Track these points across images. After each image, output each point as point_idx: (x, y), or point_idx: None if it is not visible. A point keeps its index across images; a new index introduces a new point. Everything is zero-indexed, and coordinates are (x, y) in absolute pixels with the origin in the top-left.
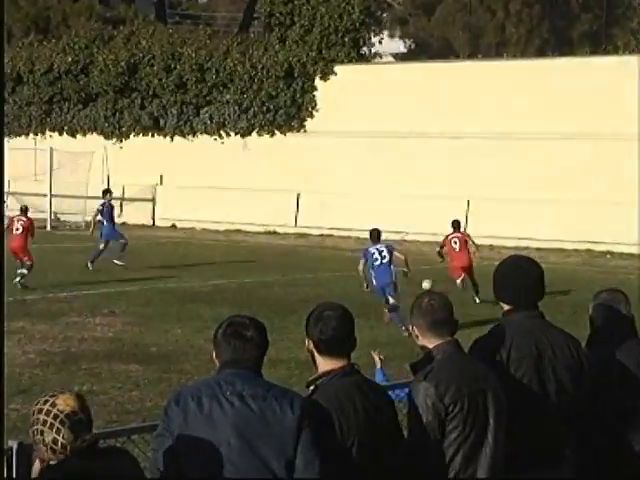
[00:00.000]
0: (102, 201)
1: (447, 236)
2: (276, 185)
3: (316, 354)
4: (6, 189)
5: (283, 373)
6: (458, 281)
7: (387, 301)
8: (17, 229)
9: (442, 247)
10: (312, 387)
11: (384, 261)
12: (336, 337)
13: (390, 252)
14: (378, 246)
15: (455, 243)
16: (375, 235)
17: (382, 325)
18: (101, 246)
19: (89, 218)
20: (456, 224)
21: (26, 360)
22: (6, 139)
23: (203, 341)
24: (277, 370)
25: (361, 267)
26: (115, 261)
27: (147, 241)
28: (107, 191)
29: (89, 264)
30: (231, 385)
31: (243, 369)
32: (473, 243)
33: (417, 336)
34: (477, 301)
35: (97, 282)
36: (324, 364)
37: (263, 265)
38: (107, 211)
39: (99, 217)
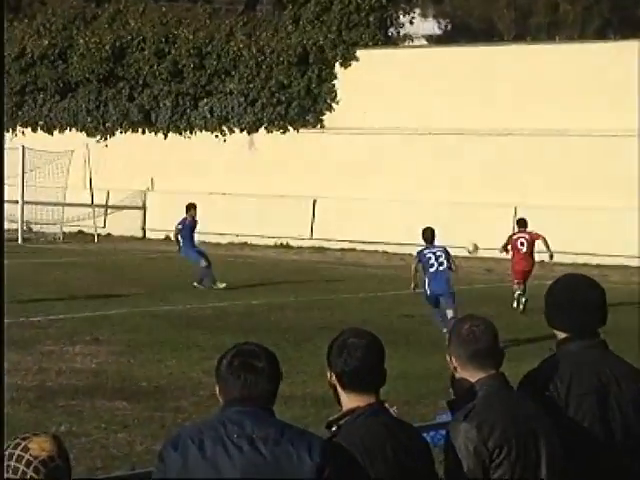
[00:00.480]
0: (182, 217)
1: (512, 235)
2: (288, 190)
3: (339, 389)
4: None
5: (297, 412)
6: (515, 287)
7: (441, 312)
8: None
9: (506, 246)
10: (334, 428)
11: (440, 268)
12: (362, 369)
13: (448, 257)
14: (434, 249)
15: (522, 245)
16: (429, 235)
17: (414, 355)
18: (203, 264)
19: (67, 229)
20: (522, 222)
21: None
22: None
23: (202, 374)
24: (290, 408)
25: (413, 268)
26: (195, 284)
27: (136, 256)
28: (192, 206)
29: (198, 285)
30: (238, 426)
31: (252, 407)
32: (548, 247)
33: (455, 368)
34: (521, 309)
35: (77, 304)
36: (348, 401)
37: (273, 284)
38: (187, 229)
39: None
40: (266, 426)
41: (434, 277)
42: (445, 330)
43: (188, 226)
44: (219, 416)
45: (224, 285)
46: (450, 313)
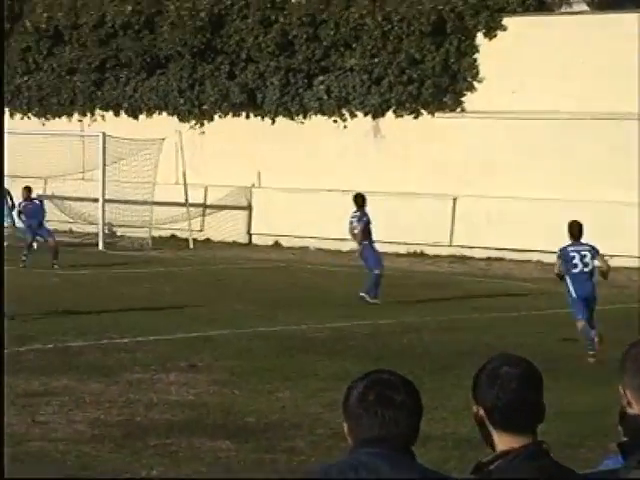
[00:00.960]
0: (356, 212)
1: None
2: (422, 187)
3: (489, 426)
4: (40, 191)
5: (436, 455)
6: None
7: (591, 324)
8: None
9: None
10: (483, 474)
11: (586, 269)
12: (518, 404)
13: (594, 257)
14: (580, 248)
15: None
16: (576, 231)
17: (578, 387)
18: (376, 271)
19: (157, 233)
20: None
21: (73, 433)
22: (41, 120)
23: (321, 408)
24: (428, 450)
25: (556, 270)
26: (362, 294)
27: (240, 266)
28: (361, 199)
29: (365, 296)
30: (373, 472)
31: (389, 449)
32: None
33: (630, 403)
34: None
35: (170, 323)
36: (500, 441)
37: (405, 300)
38: (366, 225)
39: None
40: (406, 472)
41: (577, 279)
42: (591, 352)
43: (366, 222)
44: (348, 459)
45: (369, 301)
46: (580, 325)
